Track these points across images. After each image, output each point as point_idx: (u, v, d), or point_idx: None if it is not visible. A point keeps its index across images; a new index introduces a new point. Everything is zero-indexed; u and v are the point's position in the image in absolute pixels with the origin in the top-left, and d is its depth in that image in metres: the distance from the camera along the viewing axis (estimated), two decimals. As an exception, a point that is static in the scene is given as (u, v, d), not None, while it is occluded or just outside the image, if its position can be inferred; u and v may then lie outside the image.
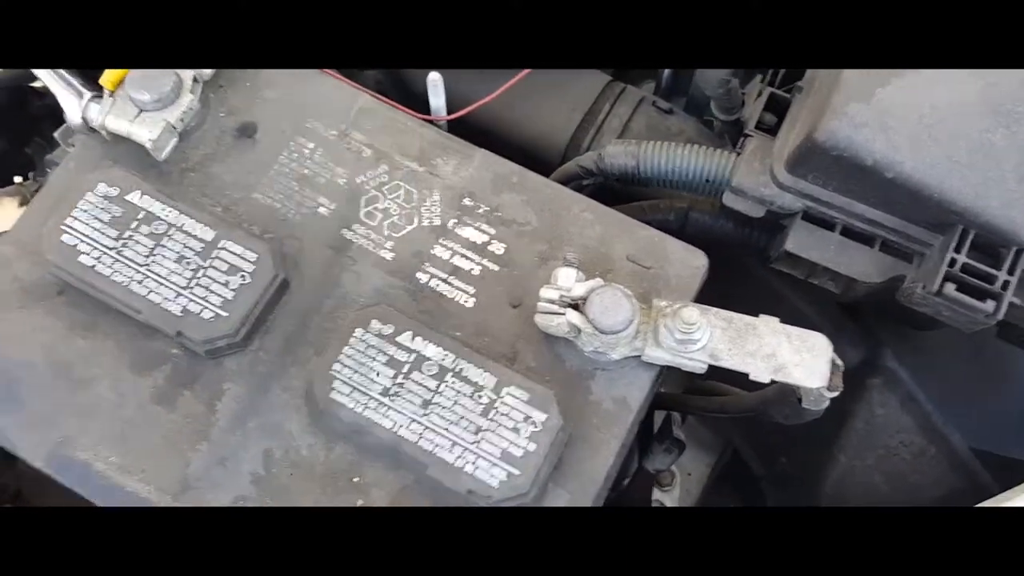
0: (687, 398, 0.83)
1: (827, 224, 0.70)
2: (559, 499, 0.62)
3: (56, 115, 0.82)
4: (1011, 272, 0.62)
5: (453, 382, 0.62)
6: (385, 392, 0.62)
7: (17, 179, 0.99)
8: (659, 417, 0.90)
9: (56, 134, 0.91)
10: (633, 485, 0.91)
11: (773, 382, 0.63)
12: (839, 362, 0.63)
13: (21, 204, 0.86)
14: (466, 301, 0.68)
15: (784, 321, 0.64)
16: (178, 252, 0.66)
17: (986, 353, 0.85)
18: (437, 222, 0.70)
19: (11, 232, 0.71)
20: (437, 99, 0.78)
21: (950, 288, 0.62)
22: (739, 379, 0.79)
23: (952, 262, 0.63)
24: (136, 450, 0.64)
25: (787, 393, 0.68)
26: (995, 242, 0.63)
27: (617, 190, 0.83)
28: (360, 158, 0.72)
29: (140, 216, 0.67)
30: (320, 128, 0.73)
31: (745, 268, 0.88)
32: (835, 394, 0.63)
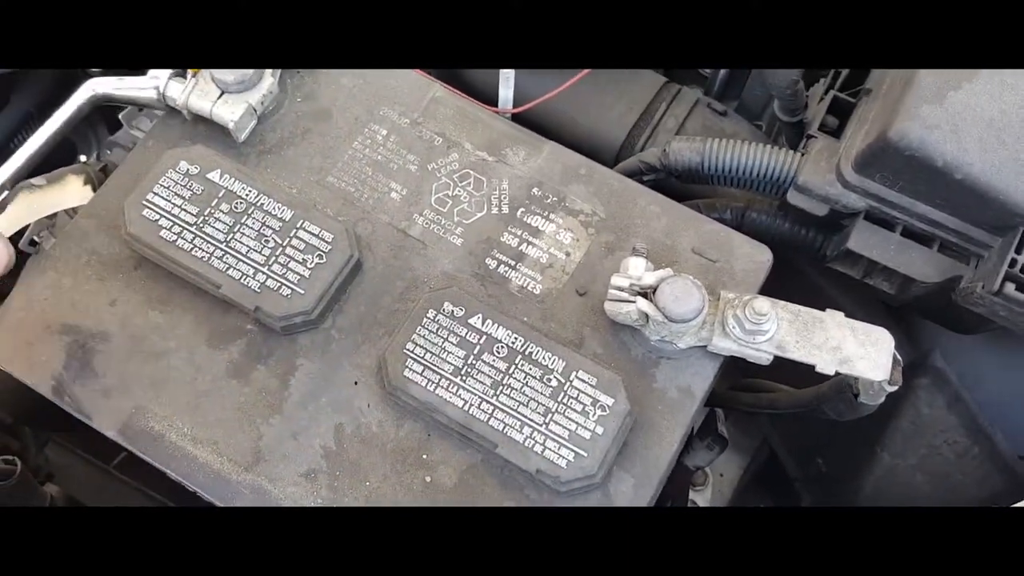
0: (737, 395, 0.84)
1: (888, 225, 0.72)
2: (624, 483, 0.63)
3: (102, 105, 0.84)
4: (1071, 274, 0.63)
5: (523, 364, 0.64)
6: (456, 372, 0.64)
7: (82, 157, 1.01)
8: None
9: (121, 116, 0.93)
10: (672, 481, 0.92)
11: (837, 374, 0.64)
12: (899, 357, 0.65)
13: (86, 182, 0.88)
14: (534, 287, 0.69)
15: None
16: (257, 230, 0.68)
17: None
18: (506, 210, 0.72)
19: (88, 206, 0.73)
20: (507, 91, 0.80)
21: (1010, 288, 0.64)
22: (785, 377, 0.81)
23: (1013, 262, 0.64)
24: (210, 422, 0.65)
25: (843, 388, 0.70)
26: (1056, 245, 0.64)
27: (674, 188, 0.84)
28: (432, 146, 0.74)
29: (221, 194, 0.69)
30: (393, 116, 0.75)
31: (796, 269, 0.90)
32: (895, 388, 0.65)
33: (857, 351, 0.63)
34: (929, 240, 0.71)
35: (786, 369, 0.76)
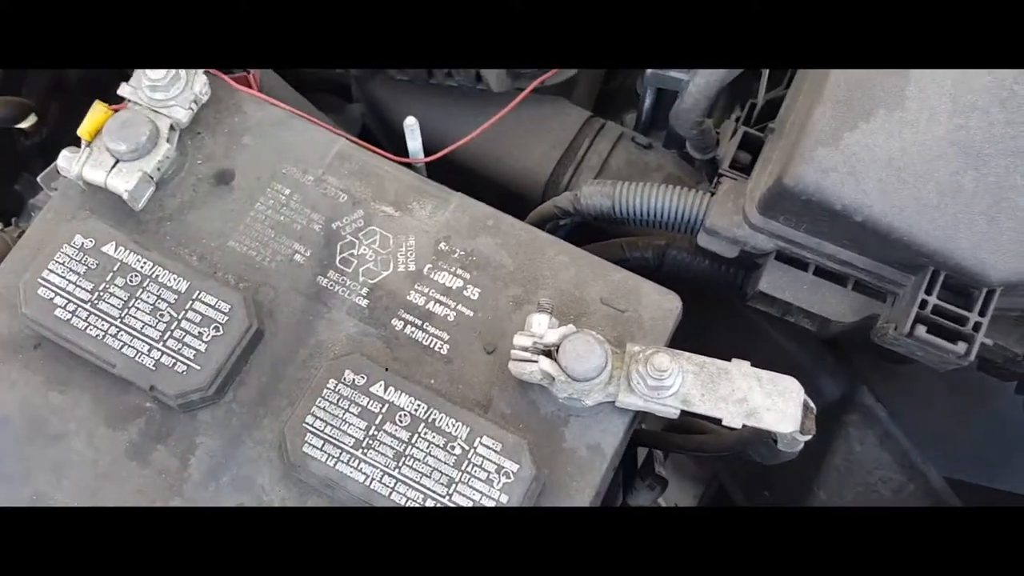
0: (667, 436, 0.83)
1: (800, 264, 0.70)
2: (533, 548, 0.62)
3: (44, 153, 0.82)
4: (982, 313, 0.62)
5: (426, 433, 0.62)
6: (357, 445, 0.62)
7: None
8: (642, 452, 0.91)
9: (39, 178, 0.91)
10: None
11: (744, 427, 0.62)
12: (811, 405, 0.63)
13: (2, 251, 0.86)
14: (441, 347, 0.68)
15: (764, 355, 0.64)
16: (152, 304, 0.66)
17: (966, 382, 0.85)
18: (413, 267, 0.70)
19: (-11, 284, 0.71)
20: (414, 142, 0.79)
21: (921, 330, 0.62)
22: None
23: (923, 304, 0.63)
24: (109, 506, 0.64)
25: (763, 434, 0.68)
26: (966, 283, 0.63)
27: (596, 227, 0.83)
28: (336, 203, 0.72)
29: (115, 268, 0.67)
30: (297, 173, 0.73)
31: (725, 302, 0.88)
32: (808, 437, 0.63)
33: (764, 402, 0.62)
34: (843, 279, 0.70)
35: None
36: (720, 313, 0.86)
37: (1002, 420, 0.85)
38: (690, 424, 0.84)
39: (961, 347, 0.62)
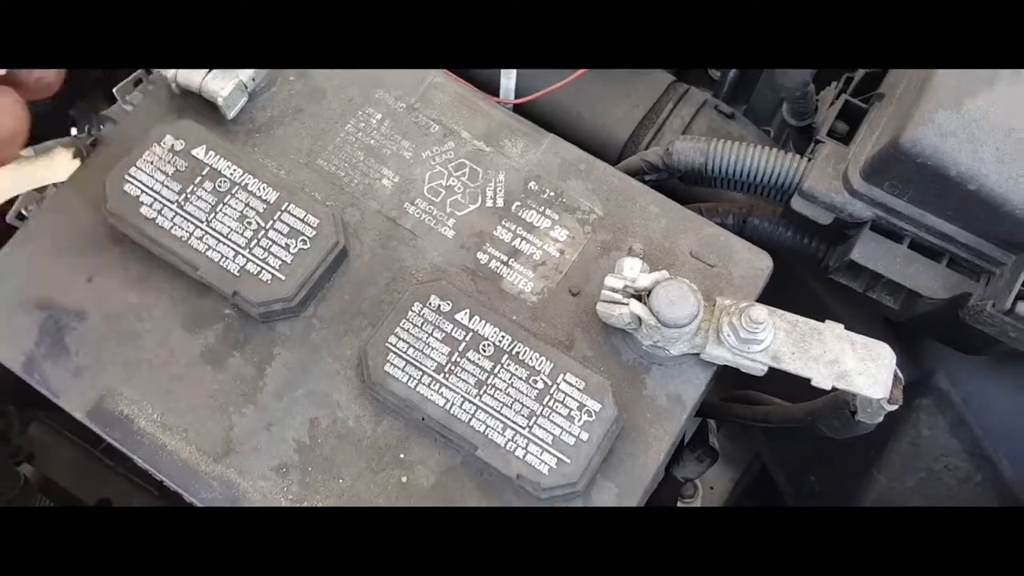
0: (729, 406, 0.82)
1: (895, 236, 0.69)
2: (607, 492, 0.61)
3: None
4: (1085, 295, 0.61)
5: (509, 364, 0.61)
6: (440, 369, 0.61)
7: (73, 131, 0.99)
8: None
9: (115, 89, 0.91)
10: (659, 493, 0.90)
11: (834, 389, 0.61)
12: (900, 375, 0.62)
13: (75, 156, 0.85)
14: (525, 285, 0.67)
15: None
16: (240, 211, 0.65)
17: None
18: (501, 203, 0.69)
19: (72, 180, 0.71)
20: (508, 81, 0.77)
21: (1022, 307, 0.61)
22: (781, 391, 0.78)
23: (1027, 282, 0.61)
24: (181, 408, 0.63)
25: (840, 405, 0.67)
26: (1071, 265, 0.61)
27: (676, 189, 0.82)
28: (427, 133, 0.71)
29: (204, 172, 0.66)
30: (389, 100, 0.72)
31: (796, 279, 0.87)
32: (895, 407, 0.62)
33: (856, 366, 0.61)
34: (938, 254, 0.68)
35: (782, 382, 0.74)
36: (792, 289, 0.85)
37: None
38: (750, 398, 0.83)
39: (1061, 327, 0.60)
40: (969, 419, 0.77)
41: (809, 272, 0.84)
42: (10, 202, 0.88)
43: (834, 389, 0.61)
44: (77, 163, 0.84)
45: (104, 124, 0.92)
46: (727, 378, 0.68)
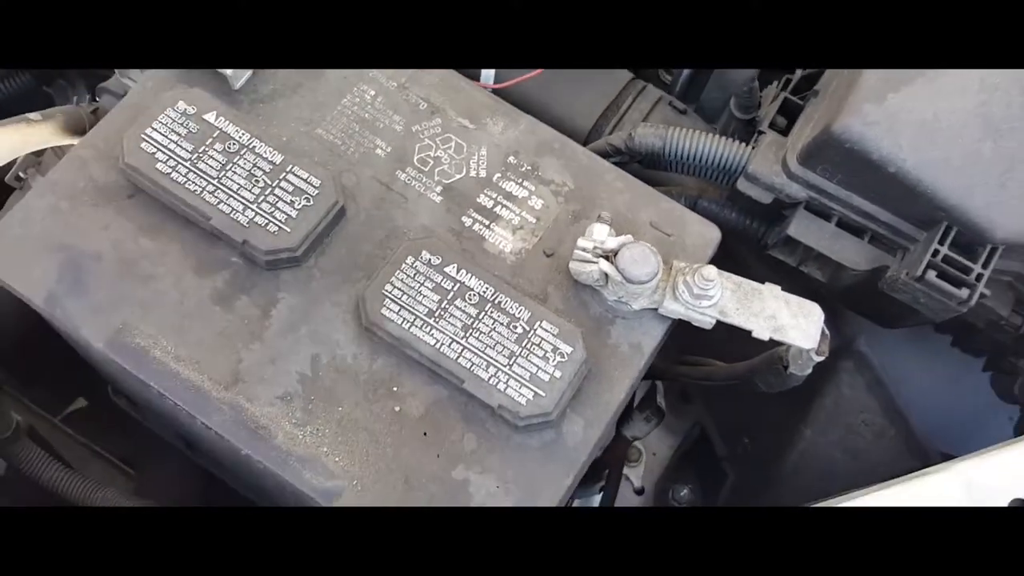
0: (676, 367, 0.91)
1: (825, 216, 0.79)
2: (575, 424, 0.69)
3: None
4: (985, 266, 0.71)
5: (492, 311, 0.70)
6: (430, 314, 0.69)
7: (75, 99, 1.04)
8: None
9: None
10: (610, 451, 0.98)
11: (771, 341, 0.71)
12: (827, 332, 0.72)
13: (76, 123, 0.91)
14: (505, 245, 0.75)
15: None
16: (248, 170, 0.72)
17: (941, 357, 0.95)
18: (483, 174, 0.77)
19: (88, 138, 0.76)
20: (488, 70, 0.86)
21: (931, 275, 0.72)
22: (720, 358, 0.88)
23: (935, 253, 0.72)
24: (192, 342, 0.69)
25: (774, 361, 0.77)
26: (973, 240, 0.72)
27: (634, 173, 0.91)
28: (417, 110, 0.79)
29: (215, 134, 0.73)
30: (382, 78, 0.80)
31: (738, 260, 0.97)
32: (822, 358, 0.72)
33: (790, 321, 0.71)
34: (861, 232, 0.79)
35: (720, 350, 0.84)
36: (735, 266, 0.95)
37: (970, 395, 0.95)
38: (696, 362, 0.92)
39: (964, 292, 0.71)
40: (885, 380, 0.88)
41: (751, 252, 0.94)
42: (9, 165, 0.94)
43: (771, 342, 0.71)
44: (78, 130, 0.89)
45: (102, 96, 0.97)
46: (673, 345, 0.77)
